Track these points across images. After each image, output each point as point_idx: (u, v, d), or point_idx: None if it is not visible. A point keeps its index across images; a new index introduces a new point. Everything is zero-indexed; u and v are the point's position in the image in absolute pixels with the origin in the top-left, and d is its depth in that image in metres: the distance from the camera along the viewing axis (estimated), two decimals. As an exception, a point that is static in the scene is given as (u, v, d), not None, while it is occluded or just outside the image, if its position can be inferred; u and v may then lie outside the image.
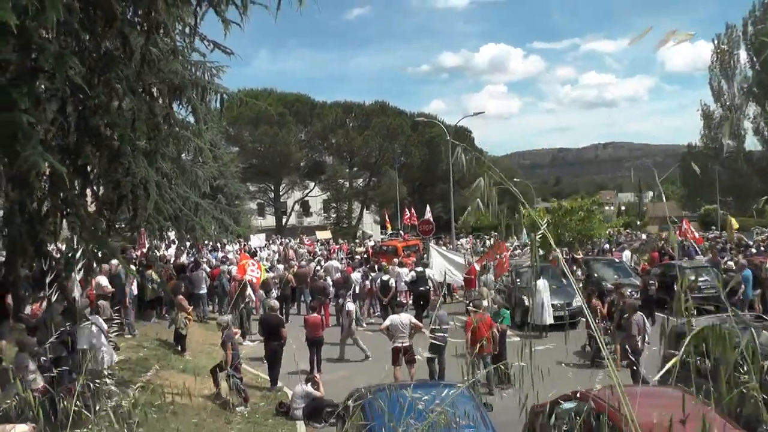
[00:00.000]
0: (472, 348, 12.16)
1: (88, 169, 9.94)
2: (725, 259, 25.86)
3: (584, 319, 18.33)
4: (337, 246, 46.68)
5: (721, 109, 70.32)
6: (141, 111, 9.29)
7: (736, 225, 35.62)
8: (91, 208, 10.78)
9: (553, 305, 20.10)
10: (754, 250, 29.63)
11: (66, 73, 7.29)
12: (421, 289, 22.24)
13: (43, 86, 8.27)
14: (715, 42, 70.93)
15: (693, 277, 20.49)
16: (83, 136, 8.89)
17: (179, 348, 17.04)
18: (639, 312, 14.05)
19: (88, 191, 10.72)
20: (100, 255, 11.18)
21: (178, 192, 12.41)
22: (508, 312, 16.05)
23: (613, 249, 36.82)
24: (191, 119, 13.71)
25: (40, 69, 7.66)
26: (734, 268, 21.99)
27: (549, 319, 19.72)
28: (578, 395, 6.24)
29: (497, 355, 14.45)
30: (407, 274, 23.46)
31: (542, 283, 20.20)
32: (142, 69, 9.41)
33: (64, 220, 10.01)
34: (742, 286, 20.14)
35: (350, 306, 18.63)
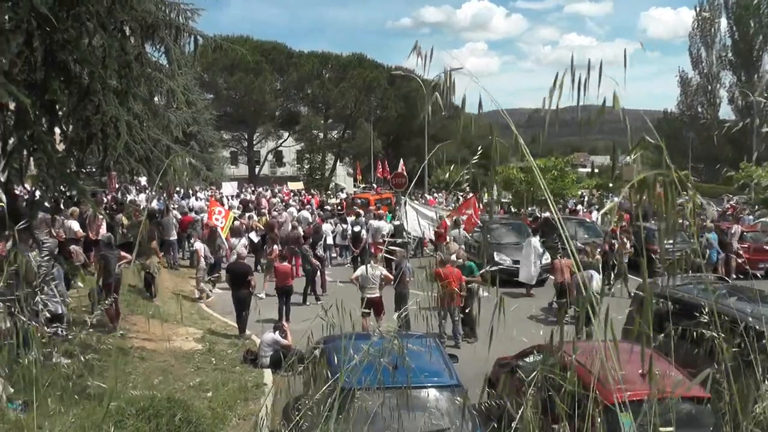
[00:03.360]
0: (440, 301, 12.30)
1: (57, 106, 9.70)
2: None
3: (552, 276, 18.54)
4: (310, 197, 46.50)
5: (698, 77, 70.68)
6: (112, 48, 9.03)
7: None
8: (60, 148, 10.55)
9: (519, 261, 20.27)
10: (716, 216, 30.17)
11: (31, 3, 7.02)
12: (398, 241, 22.31)
13: (6, 16, 7.97)
14: (697, 9, 70.93)
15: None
16: (51, 71, 8.63)
17: (149, 294, 16.94)
18: (590, 270, 14.25)
19: (57, 130, 10.48)
20: (68, 195, 11.00)
21: (149, 134, 12.21)
22: (474, 264, 16.06)
23: (584, 209, 37.17)
24: (164, 62, 13.43)
25: (2, -2, 7.37)
26: (699, 231, 22.36)
27: (534, 278, 19.75)
28: (542, 349, 6.30)
29: (464, 309, 14.61)
30: (383, 227, 23.50)
31: (535, 241, 20.25)
32: (113, 6, 9.15)
33: (31, 159, 9.80)
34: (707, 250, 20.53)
35: (320, 252, 20.34)
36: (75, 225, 16.98)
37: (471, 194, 20.38)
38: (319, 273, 20.18)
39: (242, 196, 43.38)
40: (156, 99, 15.09)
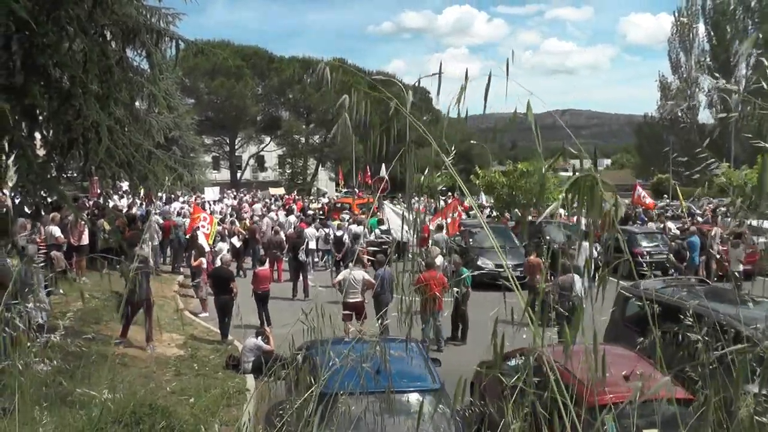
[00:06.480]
0: (422, 305, 12.31)
1: (37, 111, 9.62)
2: (674, 226, 26.57)
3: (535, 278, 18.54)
4: (292, 201, 46.41)
5: (678, 81, 71.35)
6: (93, 53, 8.98)
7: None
8: (41, 153, 10.46)
9: (502, 265, 20.33)
10: (700, 219, 30.42)
11: (8, 6, 6.96)
12: (384, 246, 22.40)
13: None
14: (676, 14, 71.71)
15: (644, 243, 21.06)
16: (31, 75, 8.55)
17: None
18: (572, 273, 14.30)
19: (37, 135, 10.40)
20: (49, 200, 10.90)
21: (131, 139, 12.15)
22: (466, 270, 16.10)
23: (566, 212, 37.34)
24: (145, 66, 13.37)
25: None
26: (680, 234, 22.54)
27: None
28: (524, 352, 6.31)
29: (461, 315, 14.76)
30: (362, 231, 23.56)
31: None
32: (94, 10, 9.10)
33: (11, 164, 9.70)
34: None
35: (302, 256, 20.54)
36: (56, 231, 16.82)
37: (452, 198, 20.36)
38: (301, 277, 20.19)
39: (235, 200, 43.61)
40: (137, 103, 15.02)
